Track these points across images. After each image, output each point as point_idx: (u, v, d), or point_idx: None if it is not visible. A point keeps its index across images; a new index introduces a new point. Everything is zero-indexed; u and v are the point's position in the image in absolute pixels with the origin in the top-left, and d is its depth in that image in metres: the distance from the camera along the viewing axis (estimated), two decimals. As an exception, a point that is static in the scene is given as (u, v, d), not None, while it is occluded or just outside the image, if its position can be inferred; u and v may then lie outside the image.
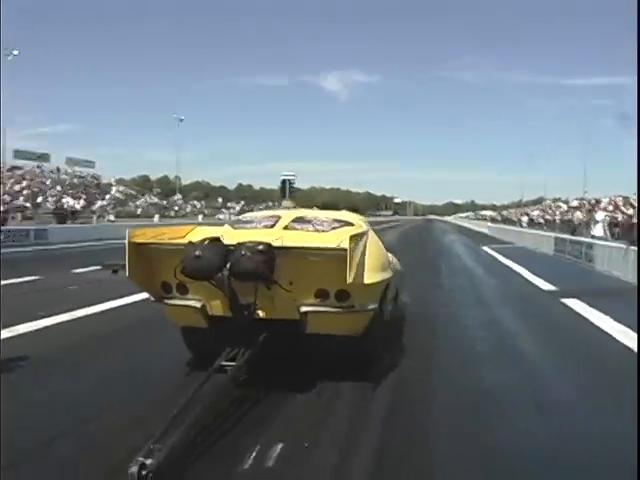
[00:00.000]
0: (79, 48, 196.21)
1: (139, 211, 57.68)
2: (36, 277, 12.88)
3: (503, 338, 7.82)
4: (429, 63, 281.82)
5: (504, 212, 73.87)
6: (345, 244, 4.65)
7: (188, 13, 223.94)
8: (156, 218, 50.78)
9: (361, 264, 4.90)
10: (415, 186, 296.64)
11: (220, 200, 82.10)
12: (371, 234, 6.03)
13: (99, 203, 52.61)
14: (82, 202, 51.04)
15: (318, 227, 5.89)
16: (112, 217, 46.26)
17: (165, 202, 68.03)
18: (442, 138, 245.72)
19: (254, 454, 3.97)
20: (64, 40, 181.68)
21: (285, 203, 12.87)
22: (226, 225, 6.60)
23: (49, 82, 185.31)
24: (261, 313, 5.16)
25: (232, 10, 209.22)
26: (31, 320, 7.94)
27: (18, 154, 54.50)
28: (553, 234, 27.20)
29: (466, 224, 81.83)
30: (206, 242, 4.97)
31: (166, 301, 5.44)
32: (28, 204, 43.84)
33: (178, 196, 74.96)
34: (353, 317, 5.23)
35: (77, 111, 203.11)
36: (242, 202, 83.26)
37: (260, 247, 4.79)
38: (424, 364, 6.28)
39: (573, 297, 10.73)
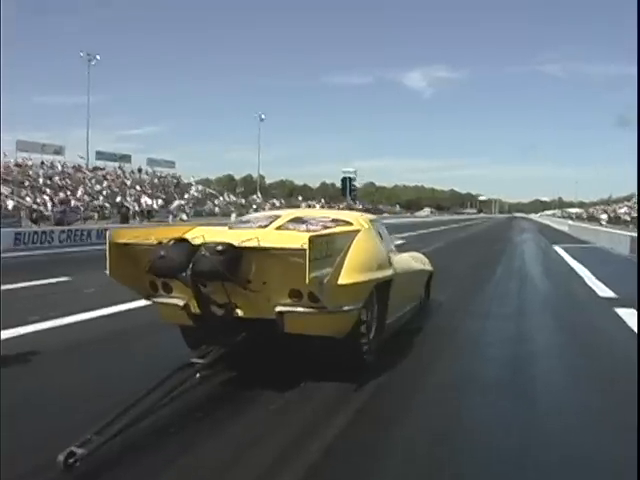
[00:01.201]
0: (165, 51, 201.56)
1: (217, 210, 58.30)
2: (65, 278, 12.52)
3: (519, 365, 6.35)
4: (515, 57, 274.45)
5: (591, 209, 70.57)
6: (305, 244, 4.50)
7: (272, 12, 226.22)
8: (233, 217, 51.05)
9: (331, 264, 4.92)
10: (501, 183, 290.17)
11: (300, 198, 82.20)
12: (366, 233, 6.03)
13: (176, 202, 53.42)
14: (160, 201, 52.08)
15: (310, 227, 6.05)
16: (184, 216, 46.60)
17: (244, 201, 68.55)
18: (529, 134, 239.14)
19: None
20: (149, 43, 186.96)
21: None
22: (228, 225, 6.94)
23: (137, 86, 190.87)
24: (240, 312, 5.17)
25: (316, 9, 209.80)
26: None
27: (100, 155, 56.06)
28: (630, 233, 25.09)
29: (548, 222, 79.78)
30: (171, 242, 5.00)
31: (153, 299, 5.55)
32: (107, 204, 44.94)
33: (258, 195, 75.54)
34: (331, 318, 5.12)
35: (165, 114, 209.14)
36: (322, 200, 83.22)
37: (219, 247, 4.79)
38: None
39: (631, 307, 9.29)
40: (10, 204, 35.16)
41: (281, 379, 5.40)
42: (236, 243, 4.89)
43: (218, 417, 4.55)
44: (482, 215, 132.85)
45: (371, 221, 6.80)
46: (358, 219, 6.59)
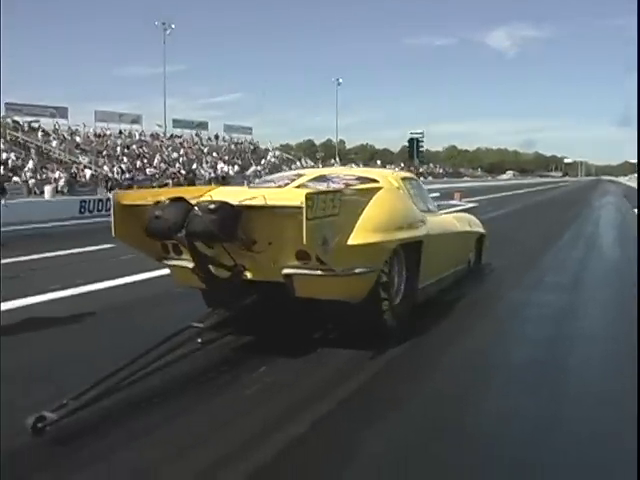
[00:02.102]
0: (244, 17, 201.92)
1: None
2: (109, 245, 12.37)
3: (553, 351, 5.28)
4: (602, 13, 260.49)
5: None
6: (302, 202, 4.13)
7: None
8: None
9: (339, 224, 4.52)
10: (588, 145, 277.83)
11: (379, 162, 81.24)
12: (390, 192, 5.68)
13: (252, 168, 53.61)
14: (236, 168, 52.38)
15: (332, 185, 5.75)
16: (257, 181, 46.71)
17: (321, 165, 68.20)
18: (617, 93, 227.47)
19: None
20: (226, 9, 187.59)
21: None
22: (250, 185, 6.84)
23: (216, 54, 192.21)
24: (248, 274, 4.89)
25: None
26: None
27: (177, 123, 56.70)
28: None
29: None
30: (167, 202, 4.72)
31: (165, 261, 5.41)
32: (183, 171, 45.49)
33: (336, 159, 75.08)
34: (344, 281, 4.72)
35: (246, 81, 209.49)
36: (402, 164, 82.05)
37: (211, 206, 4.49)
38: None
39: None
40: (88, 173, 36.08)
41: (292, 346, 5.08)
42: (235, 202, 4.58)
43: (204, 390, 4.25)
44: (567, 178, 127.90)
45: (403, 179, 6.38)
46: (387, 177, 6.27)
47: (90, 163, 38.95)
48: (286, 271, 4.66)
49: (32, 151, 37.37)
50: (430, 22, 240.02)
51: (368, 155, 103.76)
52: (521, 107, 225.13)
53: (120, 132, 50.10)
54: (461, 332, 5.69)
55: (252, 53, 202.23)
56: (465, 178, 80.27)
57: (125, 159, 43.32)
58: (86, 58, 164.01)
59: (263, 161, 60.58)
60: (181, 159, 49.18)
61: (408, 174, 7.63)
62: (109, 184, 32.95)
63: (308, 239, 4.15)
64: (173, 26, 57.22)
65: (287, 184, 5.98)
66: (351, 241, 4.62)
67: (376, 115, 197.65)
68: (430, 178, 75.57)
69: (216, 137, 61.78)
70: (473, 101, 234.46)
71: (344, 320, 5.30)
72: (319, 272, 4.59)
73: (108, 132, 48.85)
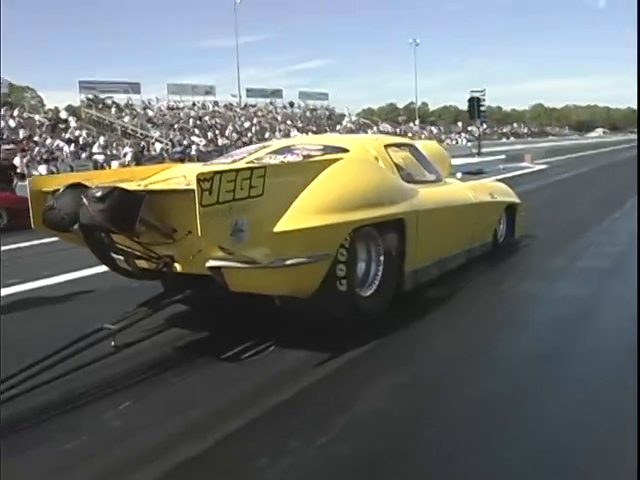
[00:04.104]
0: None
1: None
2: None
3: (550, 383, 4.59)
4: None
5: None
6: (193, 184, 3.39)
7: None
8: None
9: (259, 207, 3.69)
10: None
11: (460, 124, 78.69)
12: (352, 164, 4.79)
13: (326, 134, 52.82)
14: (310, 134, 51.75)
15: (290, 157, 5.07)
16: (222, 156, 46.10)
17: (398, 130, 66.65)
18: None
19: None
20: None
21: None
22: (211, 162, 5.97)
23: (296, 22, 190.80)
24: (178, 267, 4.23)
25: None
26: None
27: (250, 92, 56.47)
28: None
29: None
30: (62, 190, 4.09)
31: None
32: (254, 140, 45.21)
33: (415, 122, 73.31)
34: (281, 274, 3.96)
35: (329, 47, 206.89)
36: (484, 125, 79.15)
37: (98, 193, 3.79)
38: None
39: None
40: (158, 147, 36.29)
41: (230, 344, 4.34)
42: (136, 186, 3.92)
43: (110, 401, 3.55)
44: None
45: (387, 146, 5.41)
46: (364, 145, 5.41)
47: (161, 136, 39.16)
48: (211, 263, 3.91)
49: (106, 127, 37.99)
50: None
51: (452, 116, 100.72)
52: (612, 60, 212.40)
53: (193, 104, 50.25)
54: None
55: (330, 19, 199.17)
56: (550, 137, 76.58)
57: (197, 131, 43.39)
58: (165, 33, 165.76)
59: (339, 127, 59.69)
60: (253, 128, 48.90)
61: (400, 140, 6.71)
62: (176, 156, 32.91)
63: (203, 230, 3.38)
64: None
65: (243, 158, 5.19)
66: (279, 227, 3.82)
67: (458, 76, 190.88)
68: (512, 139, 72.69)
69: (291, 104, 61.24)
70: (561, 56, 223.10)
71: (299, 316, 4.50)
72: (243, 265, 3.82)
73: (181, 105, 49.10)
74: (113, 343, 3.89)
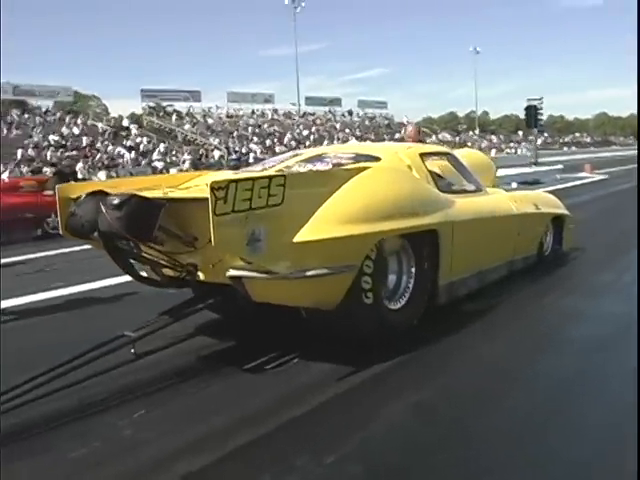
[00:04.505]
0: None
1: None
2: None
3: None
4: None
5: None
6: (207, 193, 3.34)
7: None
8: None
9: (277, 216, 3.60)
10: None
11: (520, 133, 77.34)
12: (381, 172, 4.64)
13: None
14: (368, 142, 51.66)
15: (319, 166, 5.01)
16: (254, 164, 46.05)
17: (457, 138, 65.94)
18: None
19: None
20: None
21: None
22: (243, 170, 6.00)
23: (354, 30, 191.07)
24: (201, 276, 4.20)
25: None
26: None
27: (309, 101, 56.80)
28: None
29: None
30: (83, 196, 4.13)
31: None
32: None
33: (474, 131, 72.45)
34: (302, 285, 3.87)
35: (390, 56, 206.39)
36: (545, 134, 77.62)
37: (115, 201, 3.79)
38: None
39: None
40: (217, 154, 36.77)
41: (254, 354, 4.26)
42: (157, 194, 3.95)
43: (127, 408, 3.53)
44: None
45: (422, 155, 5.27)
46: (397, 154, 5.25)
47: (220, 144, 39.68)
48: (232, 273, 3.84)
49: (166, 135, 38.72)
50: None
51: (513, 125, 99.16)
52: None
53: (252, 112, 50.78)
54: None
55: (389, 27, 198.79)
56: (613, 147, 74.48)
57: (255, 138, 43.80)
58: (226, 42, 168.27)
59: (397, 135, 59.37)
60: (312, 136, 49.07)
61: (437, 148, 6.54)
62: (232, 164, 33.26)
63: (217, 239, 3.33)
64: (303, 4, 56.98)
65: (273, 166, 5.14)
66: (300, 237, 3.71)
67: (521, 84, 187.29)
68: (573, 148, 71.02)
69: (350, 113, 61.33)
70: (626, 62, 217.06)
71: (324, 328, 4.41)
72: (263, 275, 3.73)
73: (240, 112, 49.67)
74: (133, 350, 3.87)
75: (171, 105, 44.90)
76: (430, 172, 5.16)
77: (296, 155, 5.50)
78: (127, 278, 4.76)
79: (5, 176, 26.58)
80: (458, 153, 6.40)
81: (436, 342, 4.45)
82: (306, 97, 56.96)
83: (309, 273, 3.77)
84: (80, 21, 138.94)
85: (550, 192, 8.77)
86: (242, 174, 4.56)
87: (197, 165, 32.64)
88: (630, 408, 3.28)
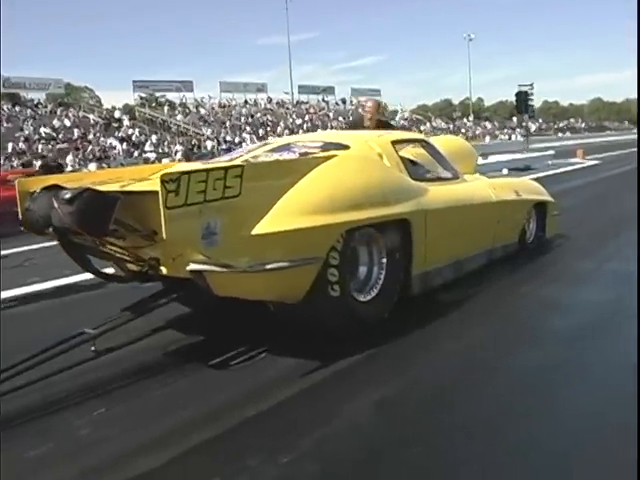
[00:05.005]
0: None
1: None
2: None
3: None
4: None
5: None
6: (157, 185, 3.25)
7: None
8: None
9: (234, 208, 3.51)
10: None
11: (515, 120, 77.17)
12: (347, 160, 4.55)
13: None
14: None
15: (286, 155, 4.87)
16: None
17: (451, 126, 65.76)
18: None
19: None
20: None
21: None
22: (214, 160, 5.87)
23: (348, 20, 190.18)
24: (164, 270, 4.04)
25: None
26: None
27: (303, 89, 56.59)
28: None
29: None
30: (38, 191, 3.99)
31: None
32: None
33: (468, 118, 72.23)
34: (265, 278, 3.76)
35: (383, 44, 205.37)
36: (540, 121, 77.49)
37: (67, 195, 3.61)
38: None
39: None
40: (209, 144, 36.64)
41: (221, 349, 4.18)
42: (112, 187, 3.85)
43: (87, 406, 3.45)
44: None
45: (394, 143, 5.15)
46: (367, 142, 5.10)
47: (212, 134, 39.51)
48: (192, 267, 3.69)
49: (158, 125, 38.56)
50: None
51: (508, 112, 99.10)
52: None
53: (245, 102, 50.56)
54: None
55: (382, 15, 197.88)
56: (607, 132, 74.48)
57: (248, 128, 43.64)
58: (217, 32, 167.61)
59: (393, 122, 59.11)
60: (305, 125, 48.91)
61: (410, 135, 6.46)
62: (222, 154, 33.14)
63: (169, 233, 3.24)
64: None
65: (240, 156, 5.03)
66: (258, 229, 3.61)
67: (514, 70, 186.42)
68: (568, 134, 70.90)
69: (343, 101, 61.15)
70: (621, 45, 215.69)
71: (292, 321, 4.32)
72: (223, 269, 3.62)
73: (233, 102, 49.45)
74: (93, 348, 3.78)
75: (163, 96, 44.68)
76: (402, 160, 5.06)
77: (265, 144, 5.40)
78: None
79: (-5, 169, 26.43)
80: (435, 140, 6.29)
81: (408, 334, 4.36)
82: (299, 86, 56.82)
83: (269, 266, 3.66)
84: (72, 12, 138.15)
85: (541, 178, 8.67)
86: (196, 165, 4.46)
87: (189, 156, 32.48)
88: (611, 397, 3.25)
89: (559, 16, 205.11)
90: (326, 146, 4.96)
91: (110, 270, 4.71)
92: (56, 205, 3.62)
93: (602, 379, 3.58)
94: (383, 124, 6.76)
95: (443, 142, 6.42)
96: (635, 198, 9.20)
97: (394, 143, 5.14)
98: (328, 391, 3.57)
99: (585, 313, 4.83)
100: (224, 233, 3.45)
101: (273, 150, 5.05)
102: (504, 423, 3.09)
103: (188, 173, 3.29)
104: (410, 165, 5.15)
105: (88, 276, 4.96)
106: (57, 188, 3.81)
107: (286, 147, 5.07)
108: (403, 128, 57.79)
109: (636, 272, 5.45)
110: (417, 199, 4.77)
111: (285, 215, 3.73)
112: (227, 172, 3.45)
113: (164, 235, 3.25)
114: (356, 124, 7.61)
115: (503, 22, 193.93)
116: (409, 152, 5.31)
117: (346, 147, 4.91)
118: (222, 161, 5.10)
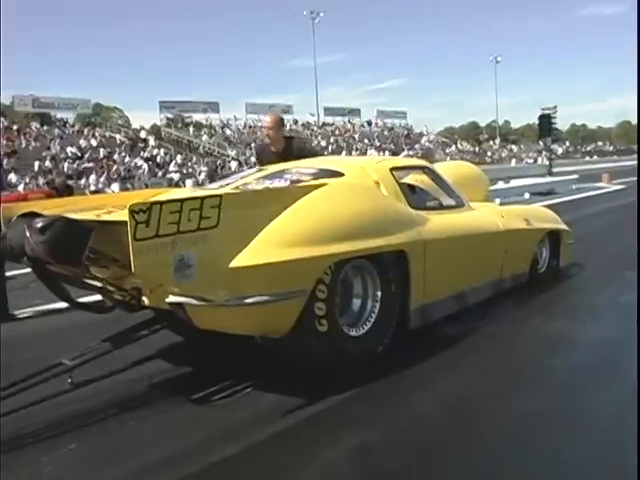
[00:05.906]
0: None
1: (448, 159, 56.38)
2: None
3: None
4: None
5: None
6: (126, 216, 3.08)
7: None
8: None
9: (214, 240, 3.35)
10: None
11: (541, 143, 76.61)
12: (338, 189, 4.39)
13: (403, 153, 52.41)
14: (387, 153, 51.43)
15: (277, 183, 4.73)
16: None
17: (477, 148, 65.44)
18: None
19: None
20: None
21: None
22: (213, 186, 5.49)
23: (371, 42, 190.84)
24: (146, 300, 3.89)
25: None
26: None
27: (328, 111, 56.74)
28: None
29: None
30: (14, 218, 3.88)
31: None
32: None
33: (494, 141, 71.87)
34: (251, 312, 3.57)
35: (410, 66, 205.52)
36: (567, 143, 76.79)
37: (39, 224, 3.50)
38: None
39: None
40: (233, 165, 36.86)
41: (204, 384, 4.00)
42: (89, 215, 3.75)
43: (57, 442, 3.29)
44: None
45: (393, 169, 4.99)
46: (364, 169, 4.93)
47: (237, 155, 39.71)
48: (171, 299, 3.57)
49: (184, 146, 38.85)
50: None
51: (535, 134, 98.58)
52: None
53: (272, 123, 50.78)
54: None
55: (409, 38, 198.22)
56: (635, 155, 73.60)
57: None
58: (250, 55, 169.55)
59: (417, 145, 59.10)
60: (330, 147, 48.97)
61: (412, 162, 6.28)
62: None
63: (138, 266, 3.07)
64: (322, 14, 57.10)
65: (231, 183, 4.91)
66: (237, 262, 3.44)
67: (541, 93, 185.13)
68: (595, 157, 70.09)
69: (369, 123, 61.21)
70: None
71: (279, 356, 4.16)
72: (199, 302, 3.47)
73: (259, 124, 49.68)
74: (70, 380, 3.64)
75: (189, 117, 45.07)
76: (402, 187, 4.89)
77: (260, 170, 5.26)
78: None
79: (21, 188, 26.71)
80: (443, 166, 6.11)
81: (401, 371, 4.16)
82: (325, 107, 56.93)
83: (249, 300, 3.49)
84: (101, 34, 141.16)
85: (564, 202, 8.42)
86: (171, 195, 4.33)
87: (213, 176, 32.66)
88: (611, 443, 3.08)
89: (586, 40, 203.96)
90: (319, 173, 4.79)
91: (88, 299, 4.60)
92: (28, 234, 3.49)
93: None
94: (290, 142, 6.09)
95: (451, 168, 6.24)
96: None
97: (393, 170, 4.97)
98: (307, 433, 3.38)
99: (595, 351, 4.58)
100: (200, 266, 3.29)
101: (265, 177, 4.89)
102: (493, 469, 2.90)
103: (160, 203, 3.14)
104: (410, 193, 4.99)
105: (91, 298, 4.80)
106: (32, 215, 3.71)
107: (279, 174, 4.91)
108: (428, 150, 57.71)
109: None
110: (415, 229, 4.59)
111: (267, 247, 3.56)
112: (203, 202, 3.30)
113: (133, 268, 3.09)
114: (262, 150, 6.50)
115: (530, 45, 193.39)
116: (409, 179, 5.13)
117: (340, 174, 4.74)
118: (206, 189, 4.98)
